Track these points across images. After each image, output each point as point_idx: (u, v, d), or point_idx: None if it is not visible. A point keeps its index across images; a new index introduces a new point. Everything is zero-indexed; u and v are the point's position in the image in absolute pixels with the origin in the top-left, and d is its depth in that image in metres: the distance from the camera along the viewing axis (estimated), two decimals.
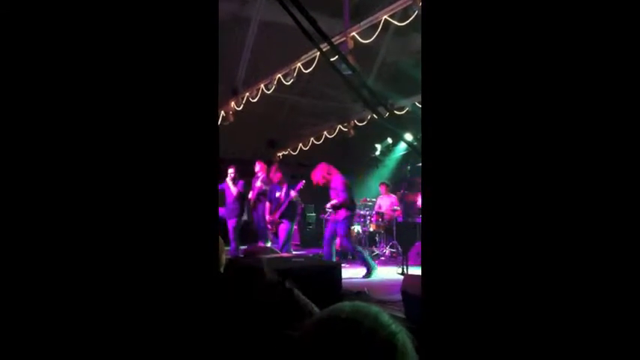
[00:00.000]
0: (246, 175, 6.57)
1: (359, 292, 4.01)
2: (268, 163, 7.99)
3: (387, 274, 4.94)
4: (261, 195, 6.33)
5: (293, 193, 5.91)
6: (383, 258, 6.48)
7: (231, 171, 6.09)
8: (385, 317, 0.57)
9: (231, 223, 6.14)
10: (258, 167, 6.53)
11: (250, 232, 6.80)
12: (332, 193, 5.25)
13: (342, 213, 5.17)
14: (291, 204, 6.02)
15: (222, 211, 6.09)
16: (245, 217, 6.60)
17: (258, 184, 6.34)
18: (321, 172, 5.19)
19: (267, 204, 6.21)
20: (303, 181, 6.10)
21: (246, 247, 5.96)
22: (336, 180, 5.22)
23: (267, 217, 6.24)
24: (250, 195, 6.42)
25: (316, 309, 0.99)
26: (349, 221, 5.23)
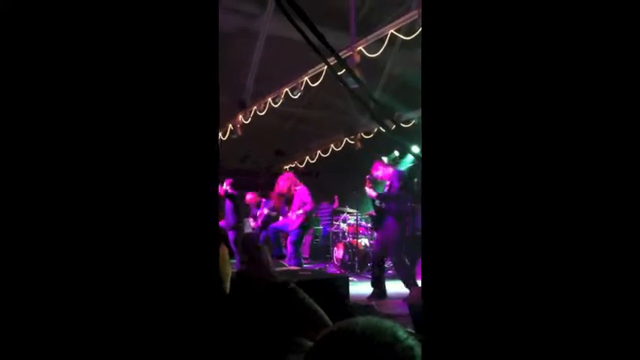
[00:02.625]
0: (246, 187, 6.60)
1: (367, 306, 3.98)
2: (273, 174, 7.96)
3: (395, 287, 4.89)
4: (267, 223, 6.34)
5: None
6: (390, 271, 6.42)
7: (225, 184, 6.09)
8: (401, 331, 0.56)
9: (230, 235, 6.13)
10: (249, 197, 6.54)
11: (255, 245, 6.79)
12: (296, 203, 5.35)
13: (298, 222, 5.28)
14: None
15: (221, 223, 6.09)
16: (249, 230, 6.60)
17: (266, 211, 6.34)
18: (288, 183, 5.28)
19: (281, 218, 6.26)
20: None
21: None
22: (303, 191, 5.34)
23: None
24: (253, 224, 6.42)
25: (326, 317, 0.99)
26: (303, 231, 5.38)
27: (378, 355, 0.53)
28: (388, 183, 4.71)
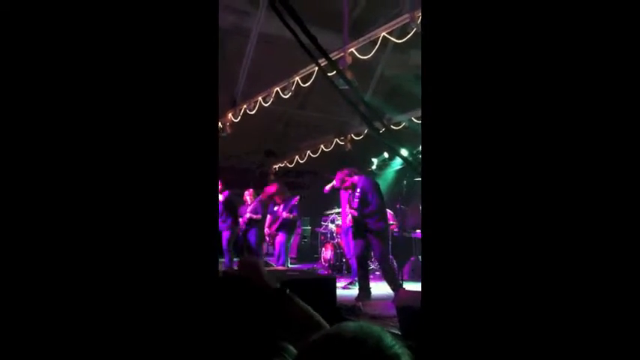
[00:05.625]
0: (236, 185, 6.55)
1: (353, 307, 3.98)
2: (263, 176, 7.91)
3: (382, 289, 4.91)
4: (252, 221, 6.31)
5: (285, 214, 5.92)
6: (378, 273, 6.44)
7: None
8: (389, 338, 0.56)
9: (225, 235, 6.11)
10: (246, 194, 6.51)
11: (245, 245, 6.78)
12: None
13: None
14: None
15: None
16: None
17: (248, 215, 6.32)
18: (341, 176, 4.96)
19: (268, 217, 6.22)
20: (297, 198, 6.10)
21: (239, 259, 5.93)
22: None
23: (266, 229, 6.24)
24: (240, 221, 6.38)
25: (323, 321, 0.98)
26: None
27: None
28: (358, 191, 4.62)
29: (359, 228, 4.66)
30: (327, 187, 5.16)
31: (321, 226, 7.64)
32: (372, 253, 4.83)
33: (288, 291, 1.04)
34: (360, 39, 4.79)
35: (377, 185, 4.82)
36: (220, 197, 5.99)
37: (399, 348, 0.55)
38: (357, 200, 4.59)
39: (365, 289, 4.61)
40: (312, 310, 1.03)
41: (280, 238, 6.04)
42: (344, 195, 5.38)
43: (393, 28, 4.55)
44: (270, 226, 6.21)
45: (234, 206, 6.28)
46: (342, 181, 4.80)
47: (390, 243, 6.20)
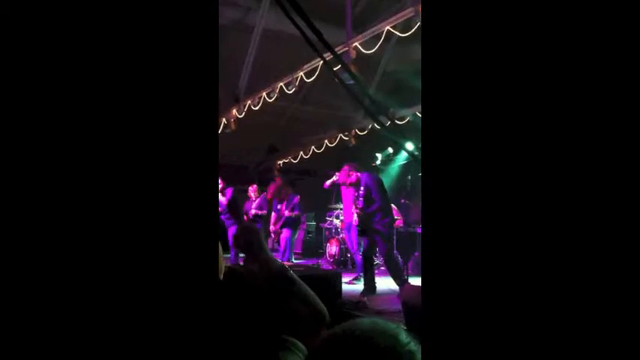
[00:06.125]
0: (241, 181, 6.54)
1: (358, 302, 3.99)
2: (267, 172, 7.89)
3: (387, 284, 4.91)
4: (257, 217, 6.30)
5: (287, 213, 5.94)
6: (383, 268, 6.44)
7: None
8: (404, 335, 0.56)
9: (231, 231, 6.14)
10: (250, 190, 6.51)
11: None
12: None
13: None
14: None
15: (222, 218, 6.09)
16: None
17: (253, 211, 6.32)
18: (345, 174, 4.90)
19: (273, 214, 6.24)
20: (298, 197, 6.13)
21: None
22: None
23: (271, 227, 6.27)
24: (245, 219, 6.38)
25: (323, 310, 0.98)
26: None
27: (378, 357, 0.53)
28: (362, 189, 4.60)
29: (364, 227, 4.65)
30: (328, 183, 5.18)
31: (325, 221, 7.65)
32: (377, 249, 4.83)
33: (290, 273, 1.04)
34: (364, 33, 4.76)
35: (381, 182, 4.80)
36: (223, 199, 5.99)
37: (413, 345, 0.55)
38: (361, 199, 4.58)
39: (370, 285, 4.62)
40: (313, 296, 1.03)
41: (285, 234, 6.07)
42: (346, 192, 5.37)
43: (397, 21, 4.52)
44: (275, 224, 6.25)
45: (237, 205, 6.29)
46: (348, 176, 4.78)
47: (395, 238, 6.19)
